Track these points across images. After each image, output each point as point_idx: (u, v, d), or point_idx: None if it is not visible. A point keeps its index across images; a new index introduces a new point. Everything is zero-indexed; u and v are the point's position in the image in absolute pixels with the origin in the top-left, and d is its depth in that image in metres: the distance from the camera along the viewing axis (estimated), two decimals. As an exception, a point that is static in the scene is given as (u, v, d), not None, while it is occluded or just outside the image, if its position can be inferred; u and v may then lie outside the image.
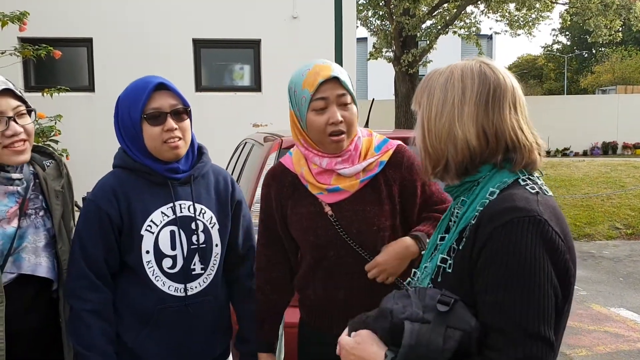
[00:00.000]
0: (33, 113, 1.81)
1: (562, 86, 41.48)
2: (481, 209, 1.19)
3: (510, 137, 1.21)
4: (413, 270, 1.39)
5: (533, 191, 1.19)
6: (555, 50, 43.51)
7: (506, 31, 15.87)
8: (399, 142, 1.89)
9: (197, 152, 1.99)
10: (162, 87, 1.83)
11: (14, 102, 1.73)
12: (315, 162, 1.82)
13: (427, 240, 1.72)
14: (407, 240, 1.78)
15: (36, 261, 1.77)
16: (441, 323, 1.10)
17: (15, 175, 1.76)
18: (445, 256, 1.23)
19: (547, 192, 1.23)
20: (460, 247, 1.20)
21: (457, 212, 1.28)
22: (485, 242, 1.13)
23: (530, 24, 15.03)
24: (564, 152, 21.09)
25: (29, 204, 1.79)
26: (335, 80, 1.74)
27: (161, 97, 1.82)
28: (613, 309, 5.62)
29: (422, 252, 1.68)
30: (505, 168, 1.23)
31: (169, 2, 8.43)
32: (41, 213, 1.82)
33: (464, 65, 1.26)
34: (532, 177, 1.24)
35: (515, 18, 14.94)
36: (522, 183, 1.21)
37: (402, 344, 1.10)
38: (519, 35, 15.59)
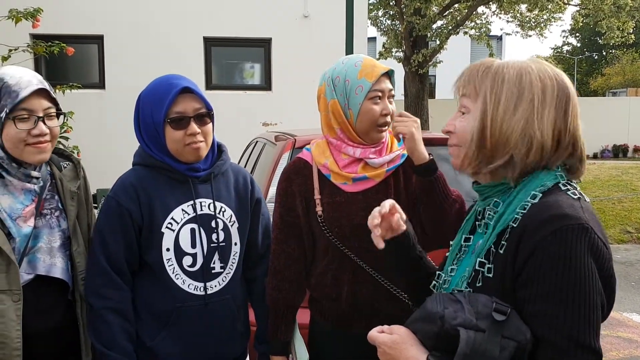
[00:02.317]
0: (62, 116, 1.82)
1: (571, 88, 41.19)
2: (522, 211, 1.16)
3: (581, 147, 1.23)
4: (437, 272, 1.36)
5: (575, 197, 1.17)
6: (565, 51, 43.29)
7: (517, 32, 15.78)
8: None
9: (217, 151, 1.99)
10: (187, 90, 1.82)
11: (46, 103, 1.74)
12: (348, 152, 1.87)
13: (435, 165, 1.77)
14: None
15: (51, 262, 1.77)
16: (497, 332, 1.06)
17: (34, 173, 1.77)
18: (484, 260, 1.20)
19: (586, 199, 1.21)
20: (502, 251, 1.16)
21: (489, 214, 1.24)
22: (534, 251, 1.10)
23: (542, 25, 14.93)
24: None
25: (45, 203, 1.80)
26: (387, 75, 1.86)
27: (185, 100, 1.81)
28: (625, 313, 5.56)
29: (431, 158, 1.76)
30: (554, 171, 1.21)
31: (181, 0, 8.43)
32: (56, 213, 1.82)
33: (535, 63, 1.24)
34: (571, 182, 1.22)
35: (527, 19, 14.85)
36: (563, 188, 1.19)
37: (457, 352, 1.06)
38: (530, 36, 15.49)
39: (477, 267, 1.21)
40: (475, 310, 1.10)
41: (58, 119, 1.80)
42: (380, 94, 1.82)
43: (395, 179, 1.89)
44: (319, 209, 1.86)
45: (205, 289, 1.87)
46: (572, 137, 1.21)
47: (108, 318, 1.77)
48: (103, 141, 7.61)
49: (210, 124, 1.89)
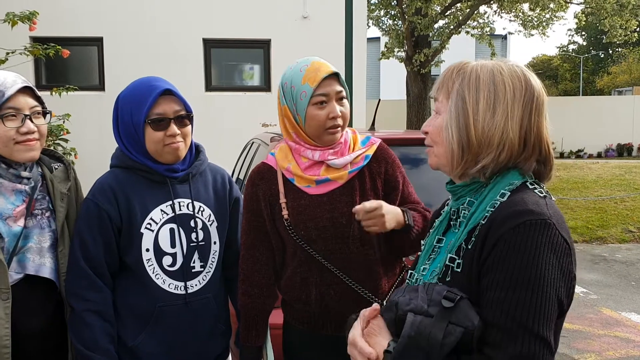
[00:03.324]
0: (48, 115, 1.85)
1: (577, 87, 41.10)
2: (491, 210, 1.20)
3: (545, 147, 1.25)
4: (410, 271, 1.38)
5: (541, 195, 1.21)
6: (570, 50, 43.11)
7: (520, 31, 15.74)
8: (380, 140, 1.99)
9: (195, 151, 2.01)
10: (167, 92, 1.84)
11: (32, 102, 1.77)
12: (307, 155, 1.87)
13: (411, 217, 1.81)
14: (397, 209, 1.84)
15: (40, 262, 1.79)
16: (444, 318, 1.11)
17: (24, 174, 1.79)
18: (454, 255, 1.23)
19: (552, 197, 1.25)
20: (470, 247, 1.20)
21: (464, 213, 1.27)
22: (496, 243, 1.14)
23: (544, 24, 14.87)
24: (578, 154, 20.87)
25: (36, 204, 1.82)
26: (335, 76, 1.84)
27: (166, 102, 1.83)
28: (624, 313, 5.54)
29: (407, 223, 1.80)
30: (512, 172, 1.24)
31: (180, 2, 8.47)
32: (47, 214, 1.84)
33: (506, 64, 1.27)
34: (538, 181, 1.26)
35: (529, 18, 14.80)
36: (531, 186, 1.23)
37: (401, 334, 1.12)
38: (532, 35, 15.45)
39: (447, 263, 1.24)
40: (429, 297, 1.15)
41: (45, 117, 1.82)
42: (324, 98, 1.81)
43: (360, 180, 1.89)
44: (284, 212, 1.86)
45: (185, 288, 1.89)
46: (538, 138, 1.23)
47: (89, 320, 1.78)
48: (102, 143, 7.62)
49: (190, 125, 1.91)
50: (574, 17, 15.76)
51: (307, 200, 1.86)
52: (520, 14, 14.82)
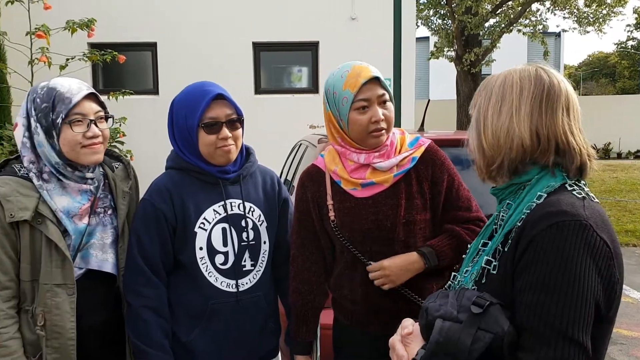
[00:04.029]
0: (111, 119, 1.93)
1: (637, 85, 39.52)
2: (528, 212, 1.19)
3: (562, 140, 1.23)
4: (453, 274, 1.39)
5: (579, 196, 1.19)
6: (629, 47, 41.47)
7: (574, 28, 15.27)
8: (431, 140, 1.96)
9: (245, 153, 2.06)
10: (220, 96, 1.89)
11: (96, 107, 1.86)
12: (353, 158, 1.89)
13: (434, 257, 1.80)
14: (414, 255, 1.83)
15: (103, 257, 1.87)
16: (473, 324, 1.11)
17: (88, 175, 1.88)
18: (490, 258, 1.23)
19: (594, 199, 1.22)
20: (506, 249, 1.20)
21: (503, 216, 1.28)
22: (528, 244, 1.13)
23: (601, 20, 14.39)
24: (637, 155, 20.07)
25: (99, 202, 1.90)
26: (376, 80, 1.83)
27: (218, 106, 1.89)
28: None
29: (427, 266, 1.80)
30: (556, 173, 1.24)
31: (230, 7, 8.62)
32: (109, 212, 1.93)
33: (522, 69, 1.30)
34: (579, 183, 1.24)
35: (585, 14, 14.34)
36: (569, 188, 1.21)
37: (429, 339, 1.13)
38: (588, 32, 14.97)
39: (484, 265, 1.24)
40: (459, 303, 1.15)
41: (107, 121, 1.91)
42: (365, 103, 1.82)
43: (406, 183, 1.88)
44: (331, 214, 1.89)
45: (237, 286, 1.94)
46: (552, 133, 1.23)
47: (145, 316, 1.85)
48: (156, 145, 7.84)
49: (240, 129, 1.97)
50: (634, 12, 15.21)
51: (353, 203, 1.87)
52: (575, 10, 14.39)
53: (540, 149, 1.23)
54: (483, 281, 1.23)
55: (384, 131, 1.85)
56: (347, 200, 1.89)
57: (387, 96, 1.85)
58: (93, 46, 6.58)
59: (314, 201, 1.94)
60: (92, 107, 1.84)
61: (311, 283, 1.97)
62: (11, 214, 1.72)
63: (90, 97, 1.84)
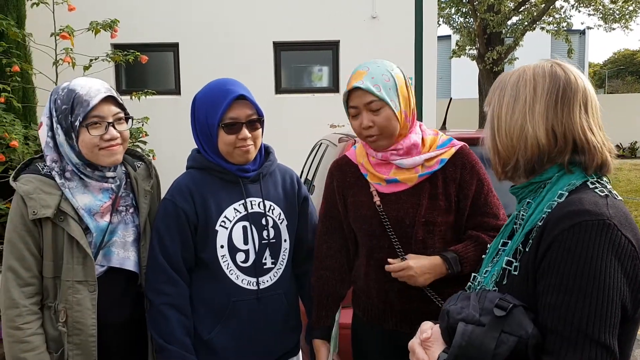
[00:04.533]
0: (130, 120, 1.94)
1: (663, 83, 38.69)
2: (549, 211, 1.17)
3: (579, 137, 1.20)
4: (473, 274, 1.37)
5: (602, 194, 1.16)
6: (656, 44, 40.61)
7: (600, 25, 15.01)
8: (464, 143, 1.93)
9: (265, 152, 2.07)
10: (241, 97, 1.90)
11: (115, 109, 1.87)
12: (372, 153, 1.92)
13: (457, 262, 1.78)
14: (437, 259, 1.81)
15: (124, 255, 1.89)
16: (496, 327, 1.09)
17: (109, 174, 1.90)
18: (511, 258, 1.21)
19: (617, 197, 1.19)
20: (527, 250, 1.18)
21: (523, 215, 1.26)
22: (551, 245, 1.11)
23: (627, 16, 14.12)
24: (664, 154, 19.67)
25: (121, 201, 1.92)
26: (360, 89, 1.81)
27: (239, 107, 1.90)
28: None
29: (449, 272, 1.77)
30: (575, 171, 1.21)
31: (250, 7, 8.65)
32: (131, 210, 1.95)
33: (536, 65, 1.27)
34: (601, 181, 1.21)
35: (610, 11, 14.10)
36: (591, 186, 1.18)
37: (452, 343, 1.11)
38: (613, 29, 14.70)
39: (504, 266, 1.22)
40: (481, 306, 1.13)
41: (127, 122, 1.92)
42: (353, 110, 1.84)
43: (431, 184, 1.86)
44: (376, 199, 1.88)
45: (257, 283, 1.95)
46: (569, 130, 1.20)
47: (167, 313, 1.87)
48: (178, 145, 7.90)
49: (260, 129, 1.97)
50: (661, 8, 14.85)
51: (376, 198, 1.88)
52: (600, 7, 14.14)
53: (557, 148, 1.20)
54: (504, 282, 1.21)
55: (375, 137, 1.84)
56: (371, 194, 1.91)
57: (376, 103, 1.80)
58: (116, 47, 6.65)
59: (339, 191, 1.98)
60: (110, 110, 1.85)
61: (333, 270, 2.00)
62: (34, 212, 1.75)
63: (108, 99, 1.85)
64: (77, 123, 1.79)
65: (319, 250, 2.02)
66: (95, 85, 1.85)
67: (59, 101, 1.83)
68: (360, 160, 1.95)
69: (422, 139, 1.91)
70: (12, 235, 1.78)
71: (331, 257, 2.00)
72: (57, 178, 1.82)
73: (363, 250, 1.93)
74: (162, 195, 2.02)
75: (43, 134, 1.87)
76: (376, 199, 1.87)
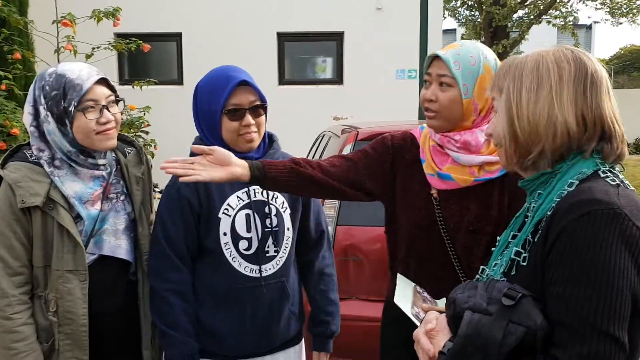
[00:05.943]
0: (121, 103, 1.91)
1: (670, 79, 38.55)
2: (558, 200, 1.14)
3: (608, 125, 1.17)
4: (481, 267, 1.34)
5: (614, 183, 1.13)
6: (662, 40, 40.44)
7: (607, 20, 14.93)
8: None
9: (269, 140, 2.05)
10: (243, 82, 1.87)
11: (107, 91, 1.84)
12: (431, 134, 1.83)
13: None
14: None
15: (116, 243, 1.87)
16: (504, 317, 1.06)
17: (100, 161, 1.87)
18: (520, 249, 1.19)
19: (629, 186, 1.16)
20: (536, 240, 1.15)
21: (534, 206, 1.22)
22: (559, 235, 1.08)
23: (635, 10, 14.04)
24: (668, 150, 19.58)
25: (111, 188, 1.89)
26: (440, 60, 1.74)
27: (242, 93, 1.87)
28: None
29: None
30: (589, 159, 1.17)
31: (254, -3, 8.61)
32: (122, 197, 1.92)
33: (555, 50, 1.22)
34: (612, 170, 1.18)
35: (617, 5, 14.01)
36: (602, 175, 1.15)
37: (458, 333, 1.08)
38: (621, 24, 14.62)
39: (513, 256, 1.20)
40: (489, 295, 1.10)
41: (118, 105, 1.89)
42: (427, 77, 1.79)
43: (486, 189, 1.75)
44: (433, 191, 1.79)
45: (260, 271, 1.93)
46: (598, 117, 1.17)
47: (170, 300, 1.86)
48: (181, 134, 7.86)
49: (264, 115, 1.95)
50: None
51: (428, 188, 1.80)
52: (607, 1, 14.06)
53: (586, 134, 1.16)
54: (512, 273, 1.18)
55: (434, 114, 1.76)
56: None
57: (446, 79, 1.74)
58: (119, 36, 6.62)
59: (394, 154, 1.86)
60: (103, 92, 1.81)
61: (318, 165, 1.81)
62: (22, 200, 1.72)
63: (100, 81, 1.82)
64: (71, 108, 1.75)
65: (333, 158, 1.88)
66: (84, 69, 1.81)
67: (47, 87, 1.78)
68: (424, 143, 1.85)
69: (489, 141, 1.75)
70: (1, 224, 1.74)
71: (327, 164, 1.83)
72: (45, 166, 1.78)
73: (406, 238, 1.83)
74: (161, 182, 1.99)
75: (27, 122, 1.83)
76: (433, 191, 1.78)
